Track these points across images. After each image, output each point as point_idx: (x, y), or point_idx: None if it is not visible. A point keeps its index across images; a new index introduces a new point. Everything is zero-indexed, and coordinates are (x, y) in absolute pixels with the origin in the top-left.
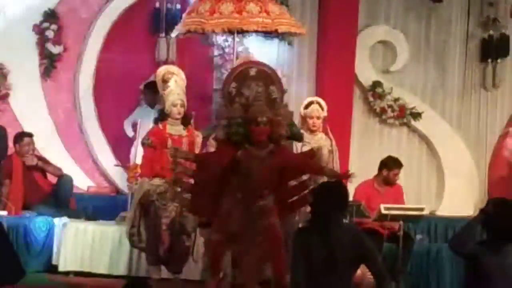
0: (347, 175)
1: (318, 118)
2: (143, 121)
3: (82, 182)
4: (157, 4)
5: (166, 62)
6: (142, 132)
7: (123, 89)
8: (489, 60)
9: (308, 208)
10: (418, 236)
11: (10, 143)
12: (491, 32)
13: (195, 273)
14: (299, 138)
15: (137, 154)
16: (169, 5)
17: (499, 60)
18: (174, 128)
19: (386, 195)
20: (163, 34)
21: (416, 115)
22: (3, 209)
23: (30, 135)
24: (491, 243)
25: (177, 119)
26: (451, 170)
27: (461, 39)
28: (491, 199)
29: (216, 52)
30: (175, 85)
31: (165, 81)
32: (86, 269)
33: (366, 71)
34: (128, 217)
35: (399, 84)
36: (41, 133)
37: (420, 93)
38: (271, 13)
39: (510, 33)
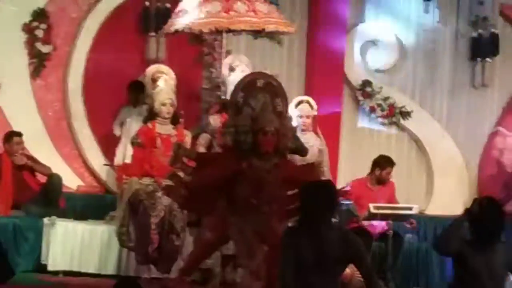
0: (344, 192)
1: (307, 117)
2: (127, 121)
3: (71, 181)
4: (147, 3)
5: (155, 61)
6: (126, 132)
7: (113, 88)
8: (479, 59)
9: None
10: (408, 235)
11: (0, 143)
12: (480, 31)
13: None
14: (303, 152)
15: (126, 153)
16: (158, 4)
17: (488, 59)
18: (163, 128)
19: (379, 193)
20: (153, 33)
21: (406, 114)
22: None
23: (19, 134)
24: (477, 242)
25: (166, 118)
26: (440, 169)
27: (450, 38)
28: (477, 199)
29: (205, 51)
30: (164, 84)
31: (154, 80)
32: (75, 268)
33: (355, 70)
34: (117, 216)
35: (388, 83)
36: (31, 132)
37: (410, 92)
38: (259, 12)
39: (499, 32)
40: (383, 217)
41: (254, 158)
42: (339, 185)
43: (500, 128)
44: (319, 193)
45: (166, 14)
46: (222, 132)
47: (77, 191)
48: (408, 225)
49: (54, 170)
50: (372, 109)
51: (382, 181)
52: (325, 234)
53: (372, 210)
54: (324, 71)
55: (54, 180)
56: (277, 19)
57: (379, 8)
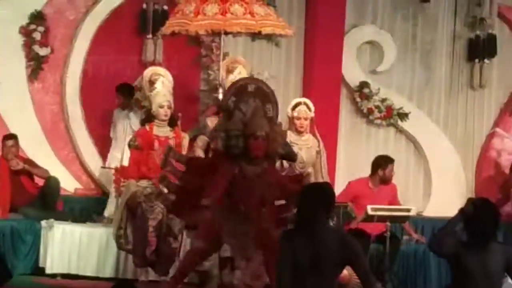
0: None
1: (305, 119)
2: (118, 123)
3: (69, 184)
4: (144, 5)
5: (153, 63)
6: (114, 134)
7: (110, 91)
8: (476, 60)
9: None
10: (405, 237)
11: None
12: (478, 32)
13: None
14: (293, 158)
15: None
16: (156, 6)
17: (486, 60)
18: (161, 130)
19: (381, 195)
20: (150, 35)
21: (403, 116)
22: None
23: (13, 137)
24: (472, 242)
25: (163, 120)
26: (438, 170)
27: (448, 39)
28: (471, 199)
29: (203, 53)
30: (162, 86)
31: (152, 82)
32: (73, 271)
33: (353, 71)
34: (115, 219)
35: (386, 85)
36: (28, 135)
37: (407, 93)
38: (256, 14)
39: (497, 33)
40: (380, 219)
41: (244, 162)
42: (337, 187)
43: (498, 129)
44: (316, 195)
45: (163, 16)
46: (214, 136)
47: (75, 193)
48: (415, 236)
49: (52, 172)
50: (370, 111)
51: (386, 180)
52: (322, 236)
53: (370, 212)
54: (322, 72)
55: (51, 183)
56: (274, 21)
57: (377, 9)
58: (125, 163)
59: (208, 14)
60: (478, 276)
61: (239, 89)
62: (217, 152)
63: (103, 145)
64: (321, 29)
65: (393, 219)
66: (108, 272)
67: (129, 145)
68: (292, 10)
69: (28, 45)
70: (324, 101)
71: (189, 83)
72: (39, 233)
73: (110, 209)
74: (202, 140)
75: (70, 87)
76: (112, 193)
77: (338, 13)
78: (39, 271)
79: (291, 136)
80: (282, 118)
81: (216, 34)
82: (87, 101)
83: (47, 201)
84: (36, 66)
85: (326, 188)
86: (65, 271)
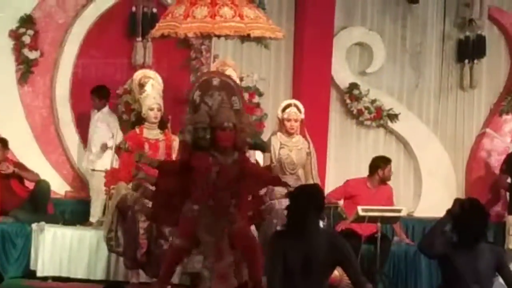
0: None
1: (295, 120)
2: (94, 126)
3: (59, 187)
4: (133, 9)
5: (142, 66)
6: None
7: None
8: (466, 61)
9: (285, 211)
10: (396, 238)
11: None
12: (467, 33)
13: (174, 277)
14: (263, 149)
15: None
16: (145, 9)
17: (475, 61)
18: (151, 132)
19: (377, 195)
20: (140, 38)
21: (393, 117)
22: None
23: (1, 141)
24: (462, 243)
25: (153, 123)
26: (428, 171)
27: (437, 40)
28: (458, 200)
29: (192, 56)
30: (151, 89)
31: (141, 85)
32: (64, 274)
33: (342, 73)
34: (106, 221)
35: (375, 86)
36: (18, 139)
37: (397, 94)
38: (246, 17)
39: (486, 34)
40: (371, 219)
41: (215, 153)
42: (327, 188)
43: (488, 130)
44: (306, 196)
45: (153, 19)
46: (181, 130)
47: (65, 196)
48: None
49: (42, 176)
50: (360, 112)
51: (385, 180)
52: (312, 237)
53: (361, 213)
54: (311, 74)
55: (42, 186)
56: (264, 24)
57: (366, 11)
58: (109, 166)
59: (197, 17)
60: (469, 276)
61: (204, 83)
62: (185, 145)
63: None
64: (310, 31)
65: (384, 219)
66: (99, 275)
67: (120, 148)
68: (282, 12)
69: (18, 48)
70: (314, 103)
71: (179, 85)
72: (30, 236)
73: (94, 213)
74: None
75: (60, 91)
76: (93, 197)
77: (327, 14)
78: (30, 274)
79: (281, 138)
80: (272, 120)
81: (205, 36)
82: (77, 104)
83: (38, 204)
84: (26, 69)
85: (316, 190)
86: (56, 274)
